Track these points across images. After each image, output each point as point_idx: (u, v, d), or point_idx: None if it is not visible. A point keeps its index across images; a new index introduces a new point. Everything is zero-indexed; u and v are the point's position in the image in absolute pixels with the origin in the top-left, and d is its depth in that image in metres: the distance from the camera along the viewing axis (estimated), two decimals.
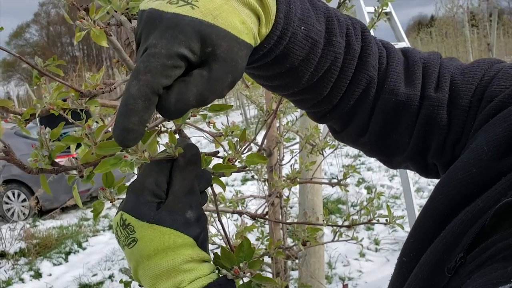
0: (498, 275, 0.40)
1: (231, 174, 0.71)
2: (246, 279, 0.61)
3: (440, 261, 0.51)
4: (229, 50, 0.48)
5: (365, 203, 1.65)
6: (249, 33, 0.51)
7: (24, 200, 7.57)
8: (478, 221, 0.50)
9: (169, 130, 0.77)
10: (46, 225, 7.26)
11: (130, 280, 0.95)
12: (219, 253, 0.61)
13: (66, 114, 0.92)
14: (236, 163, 0.72)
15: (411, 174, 3.09)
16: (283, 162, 2.30)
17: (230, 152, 0.72)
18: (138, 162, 0.55)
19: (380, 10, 1.42)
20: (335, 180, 1.98)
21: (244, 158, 0.72)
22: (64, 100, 0.87)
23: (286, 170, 2.07)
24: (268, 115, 1.49)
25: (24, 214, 7.61)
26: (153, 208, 0.55)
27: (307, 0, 0.60)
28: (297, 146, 2.38)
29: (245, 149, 0.73)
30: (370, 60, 0.63)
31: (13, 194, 7.56)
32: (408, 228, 4.56)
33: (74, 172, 0.65)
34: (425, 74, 0.65)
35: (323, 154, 1.97)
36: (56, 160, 0.63)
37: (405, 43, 4.15)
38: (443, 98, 0.63)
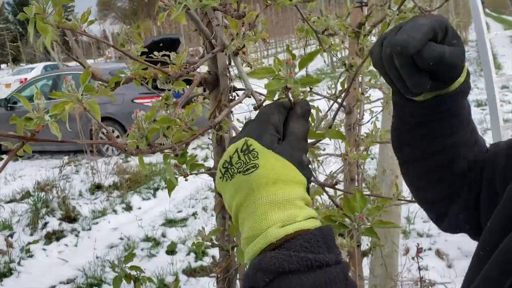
0: None
1: None
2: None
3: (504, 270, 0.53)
4: None
5: None
6: None
7: (117, 137, 8.10)
8: None
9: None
10: (137, 161, 7.77)
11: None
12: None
13: (147, 83, 1.02)
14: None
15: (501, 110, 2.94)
16: (363, 122, 2.29)
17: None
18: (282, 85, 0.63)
19: None
20: None
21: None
22: (145, 69, 0.96)
23: (365, 129, 2.08)
24: (351, 72, 1.48)
25: (117, 150, 8.18)
26: (276, 141, 0.58)
27: None
28: (378, 108, 2.35)
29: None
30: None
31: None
32: None
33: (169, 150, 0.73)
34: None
35: None
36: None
37: None
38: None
